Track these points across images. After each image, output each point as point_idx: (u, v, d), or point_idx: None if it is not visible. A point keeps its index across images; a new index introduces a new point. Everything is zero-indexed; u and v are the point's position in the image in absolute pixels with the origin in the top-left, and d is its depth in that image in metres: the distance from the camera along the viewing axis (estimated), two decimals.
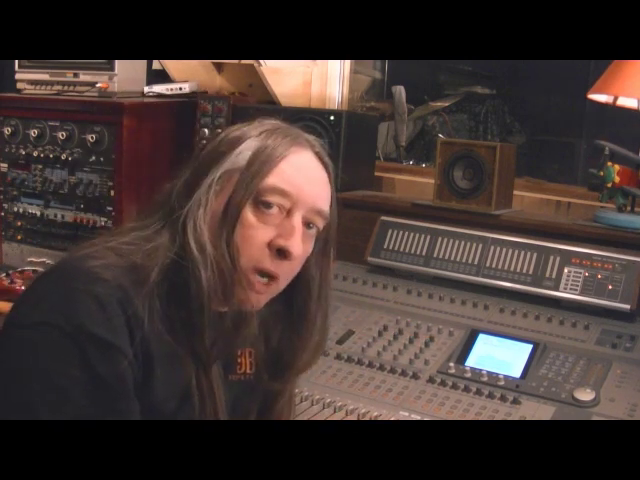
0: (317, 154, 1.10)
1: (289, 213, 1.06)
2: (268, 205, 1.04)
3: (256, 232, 1.04)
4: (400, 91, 2.71)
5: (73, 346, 0.93)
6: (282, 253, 1.04)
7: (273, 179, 1.04)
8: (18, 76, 2.67)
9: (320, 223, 1.10)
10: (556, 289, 1.77)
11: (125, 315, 0.96)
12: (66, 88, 2.58)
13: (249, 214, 1.04)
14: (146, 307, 0.99)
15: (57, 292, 0.96)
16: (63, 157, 2.46)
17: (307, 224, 1.08)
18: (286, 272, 1.08)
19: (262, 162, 1.04)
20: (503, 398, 1.49)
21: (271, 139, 1.06)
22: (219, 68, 2.83)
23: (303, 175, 1.07)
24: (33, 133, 2.51)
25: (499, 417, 1.45)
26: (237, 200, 1.03)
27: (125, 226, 1.12)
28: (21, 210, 2.59)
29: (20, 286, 2.24)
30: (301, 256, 1.08)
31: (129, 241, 1.04)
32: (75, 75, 2.56)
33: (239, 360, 1.18)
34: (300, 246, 1.05)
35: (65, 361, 0.93)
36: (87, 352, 0.93)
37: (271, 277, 1.06)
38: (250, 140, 1.07)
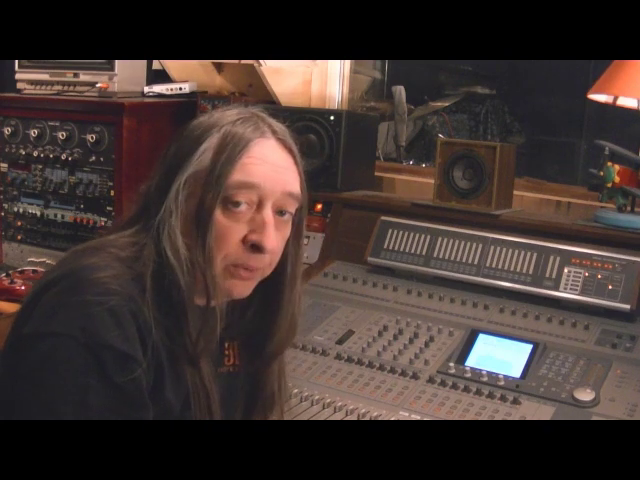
0: (279, 140, 1.10)
1: (259, 206, 1.07)
2: (236, 204, 1.05)
3: (228, 231, 1.05)
4: (400, 91, 2.71)
5: (90, 357, 0.94)
6: (257, 248, 1.06)
7: (237, 175, 1.04)
8: (18, 76, 2.67)
9: (293, 207, 1.11)
10: (556, 289, 1.77)
11: (137, 324, 0.98)
12: (66, 88, 2.58)
13: (219, 215, 1.05)
14: (151, 314, 1.00)
15: (70, 303, 0.97)
16: (63, 157, 2.47)
17: (279, 212, 1.09)
18: (266, 263, 1.10)
19: (225, 160, 1.04)
20: (503, 398, 1.49)
21: (230, 134, 1.06)
22: (219, 68, 2.83)
23: (267, 164, 1.07)
24: (33, 133, 2.52)
25: (499, 417, 1.45)
26: (207, 204, 1.03)
27: (117, 229, 1.12)
28: (21, 210, 2.60)
29: (20, 286, 2.24)
30: (277, 247, 1.09)
31: (125, 248, 1.05)
32: (75, 75, 2.56)
33: (227, 352, 1.20)
34: (273, 239, 1.07)
35: (82, 372, 0.94)
36: (104, 363, 0.95)
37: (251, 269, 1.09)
38: (211, 138, 1.06)
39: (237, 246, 1.06)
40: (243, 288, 1.10)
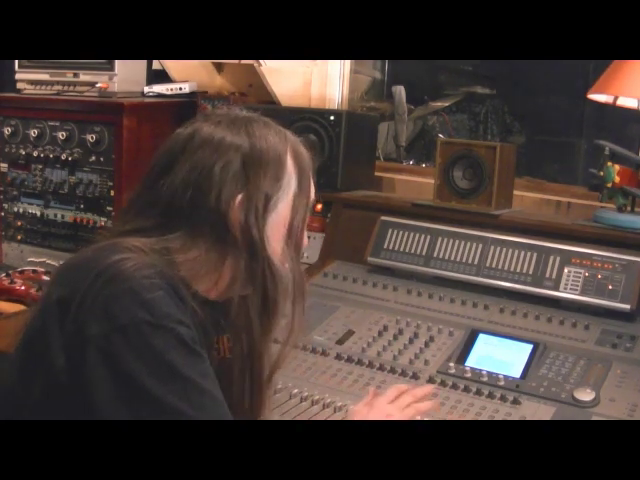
0: None
1: None
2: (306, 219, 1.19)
3: None
4: (400, 91, 2.70)
5: (167, 334, 0.99)
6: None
7: (312, 195, 1.19)
8: (18, 76, 2.67)
9: None
10: (556, 289, 1.77)
11: (181, 300, 1.04)
12: (66, 88, 2.58)
13: None
14: (189, 305, 1.06)
15: (122, 293, 0.99)
16: (63, 157, 2.47)
17: None
18: None
19: (306, 184, 1.16)
20: (503, 398, 1.49)
21: (299, 153, 1.17)
22: (219, 68, 2.83)
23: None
24: (33, 133, 2.52)
25: (499, 417, 1.45)
26: (300, 224, 1.16)
27: (137, 231, 1.12)
28: (21, 210, 2.60)
29: (20, 286, 2.24)
30: None
31: (158, 249, 1.08)
32: (75, 75, 2.56)
33: (216, 346, 1.23)
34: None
35: (165, 350, 0.98)
36: (181, 335, 1.00)
37: None
38: (288, 158, 1.15)
39: None
40: None
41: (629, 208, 1.90)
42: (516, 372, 1.57)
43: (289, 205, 1.14)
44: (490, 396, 1.50)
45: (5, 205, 2.64)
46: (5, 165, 2.61)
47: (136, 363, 0.96)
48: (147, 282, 1.00)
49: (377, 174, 2.46)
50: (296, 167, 1.15)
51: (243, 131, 1.13)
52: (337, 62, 2.65)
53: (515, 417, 1.44)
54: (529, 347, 1.63)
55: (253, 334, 1.14)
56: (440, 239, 1.93)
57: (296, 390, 1.53)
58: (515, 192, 2.12)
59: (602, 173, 1.87)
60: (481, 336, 1.68)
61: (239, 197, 1.09)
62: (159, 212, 1.12)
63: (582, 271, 1.76)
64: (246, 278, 1.12)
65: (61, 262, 1.16)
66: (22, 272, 2.37)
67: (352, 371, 1.62)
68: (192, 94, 2.61)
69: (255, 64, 2.50)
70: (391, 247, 1.98)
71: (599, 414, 1.43)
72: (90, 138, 2.39)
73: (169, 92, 2.62)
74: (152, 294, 0.99)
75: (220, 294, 1.16)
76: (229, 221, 1.09)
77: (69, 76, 2.57)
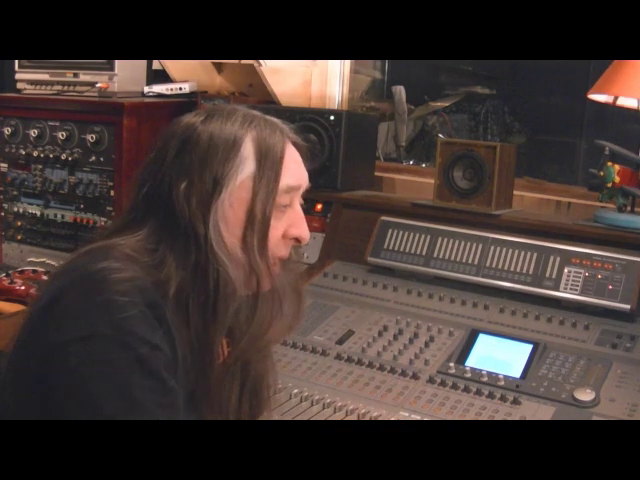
0: (292, 137, 1.15)
1: (292, 202, 1.14)
2: (285, 206, 1.12)
3: (273, 230, 1.11)
4: (400, 91, 2.71)
5: (128, 353, 0.95)
6: (297, 240, 1.14)
7: (285, 180, 1.11)
8: (18, 76, 2.67)
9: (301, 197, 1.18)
10: (556, 289, 1.77)
11: (157, 319, 1.00)
12: (66, 88, 2.58)
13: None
14: (169, 313, 1.03)
15: (95, 304, 0.97)
16: (63, 157, 2.47)
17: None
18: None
19: (271, 166, 1.09)
20: (503, 398, 1.49)
21: (264, 137, 1.10)
22: (219, 68, 2.83)
23: (298, 164, 1.15)
24: (33, 133, 2.52)
25: (499, 417, 1.45)
26: (262, 209, 1.08)
27: (120, 230, 1.12)
28: (21, 210, 2.60)
29: (20, 286, 2.24)
30: None
31: (140, 252, 1.06)
32: (75, 75, 2.56)
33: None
34: (308, 230, 1.16)
35: (123, 369, 0.95)
36: (142, 356, 0.96)
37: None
38: (246, 142, 1.09)
39: (279, 241, 1.13)
40: (272, 282, 1.14)
41: (629, 208, 1.90)
42: (516, 372, 1.57)
43: (246, 187, 1.07)
44: (490, 396, 1.50)
45: (5, 205, 2.64)
46: (5, 165, 2.61)
47: (91, 376, 0.94)
48: (122, 299, 0.97)
49: (377, 174, 2.46)
50: (256, 151, 1.08)
51: (202, 118, 1.10)
52: (337, 62, 2.65)
53: (515, 417, 1.44)
54: (529, 347, 1.63)
55: (191, 329, 1.07)
56: (440, 239, 1.93)
57: (296, 390, 1.53)
58: (515, 192, 2.12)
59: (602, 173, 1.87)
60: (481, 336, 1.68)
61: (183, 184, 1.05)
62: (147, 214, 1.10)
63: (582, 271, 1.76)
64: (192, 274, 1.05)
65: (61, 262, 1.16)
66: (22, 272, 2.37)
67: (352, 371, 1.62)
68: (192, 94, 2.61)
69: (255, 64, 2.50)
70: (391, 247, 1.98)
71: (599, 414, 1.43)
72: (90, 138, 2.39)
73: (169, 92, 2.62)
74: (125, 311, 0.96)
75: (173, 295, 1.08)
76: (177, 212, 1.05)
77: (69, 76, 2.57)
